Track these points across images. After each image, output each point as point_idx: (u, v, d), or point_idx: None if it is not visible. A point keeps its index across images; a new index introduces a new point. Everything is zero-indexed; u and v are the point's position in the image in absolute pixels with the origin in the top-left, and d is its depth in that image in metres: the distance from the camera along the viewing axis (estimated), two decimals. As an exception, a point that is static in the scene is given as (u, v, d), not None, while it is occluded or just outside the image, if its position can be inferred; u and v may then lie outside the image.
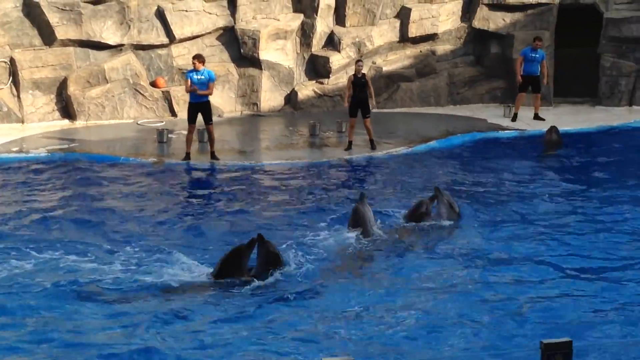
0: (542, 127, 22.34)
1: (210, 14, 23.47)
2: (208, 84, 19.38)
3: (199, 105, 19.42)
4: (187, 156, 19.57)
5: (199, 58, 19.54)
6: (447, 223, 15.64)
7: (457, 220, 15.87)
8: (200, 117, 19.52)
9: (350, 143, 20.64)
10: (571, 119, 23.68)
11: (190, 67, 19.86)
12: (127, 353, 10.65)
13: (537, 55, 23.13)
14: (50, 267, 13.35)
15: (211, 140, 19.75)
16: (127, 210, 16.56)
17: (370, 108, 20.48)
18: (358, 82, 20.44)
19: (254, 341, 11.13)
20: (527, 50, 23.30)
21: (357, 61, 21.03)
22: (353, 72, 20.84)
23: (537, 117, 23.37)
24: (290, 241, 14.29)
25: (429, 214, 15.74)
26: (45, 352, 10.80)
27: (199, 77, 19.33)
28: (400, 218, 15.83)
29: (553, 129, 21.56)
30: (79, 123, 22.41)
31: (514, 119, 23.29)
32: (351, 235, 14.74)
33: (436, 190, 16.15)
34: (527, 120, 23.19)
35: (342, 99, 24.10)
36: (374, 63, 24.57)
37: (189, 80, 19.36)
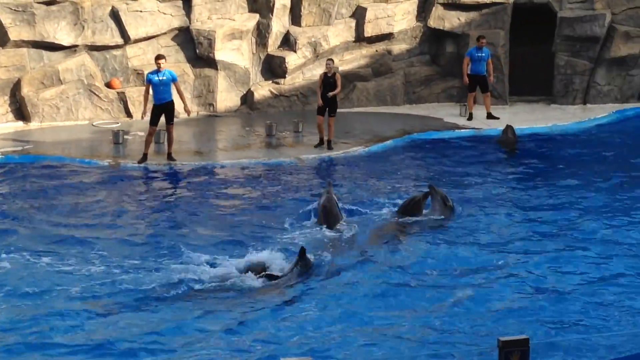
0: (498, 125, 22.48)
1: (165, 14, 23.34)
2: (171, 83, 19.30)
3: (163, 106, 19.32)
4: (144, 157, 19.45)
5: (162, 58, 19.43)
6: (440, 218, 15.87)
7: (451, 216, 16.04)
8: (161, 118, 19.43)
9: (321, 140, 20.78)
10: (527, 117, 23.82)
11: (148, 69, 19.78)
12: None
13: (484, 55, 23.26)
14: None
15: (170, 141, 19.64)
16: (81, 212, 16.42)
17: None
18: (327, 81, 20.57)
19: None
20: (472, 50, 23.42)
21: (328, 60, 21.14)
22: (324, 71, 20.89)
23: (490, 116, 23.47)
24: (259, 241, 14.41)
25: (421, 208, 15.97)
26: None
27: (160, 78, 19.24)
28: (393, 212, 16.07)
29: (509, 128, 21.70)
30: (33, 125, 22.19)
31: (469, 118, 23.39)
32: (325, 229, 14.99)
33: (430, 187, 16.40)
34: (482, 119, 23.30)
35: (298, 99, 24.19)
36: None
37: (149, 84, 19.28)
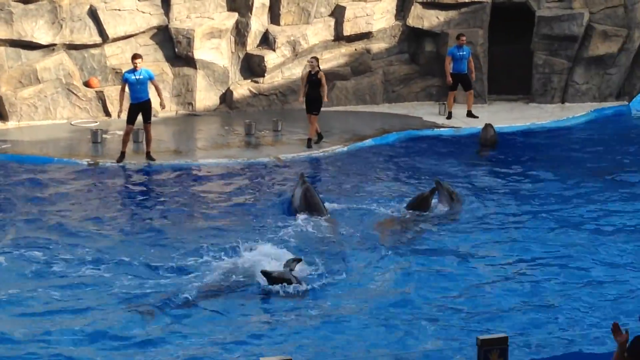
0: (477, 124, 22.54)
1: (143, 13, 23.26)
2: (149, 82, 19.25)
3: (140, 105, 19.27)
4: (122, 156, 19.39)
5: (139, 57, 19.38)
6: (448, 213, 16.18)
7: (459, 211, 16.30)
8: (139, 117, 19.38)
9: (320, 135, 20.95)
10: (505, 116, 23.87)
11: (127, 68, 19.74)
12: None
13: (465, 53, 23.32)
14: None
15: (148, 140, 19.60)
16: (59, 213, 16.36)
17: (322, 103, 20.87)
18: (311, 79, 20.73)
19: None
20: (453, 49, 23.46)
21: (311, 57, 21.23)
22: (307, 69, 20.94)
23: (470, 114, 23.52)
24: (240, 239, 14.38)
25: (429, 204, 16.29)
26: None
27: (137, 77, 19.21)
28: (400, 209, 16.36)
29: (488, 126, 21.76)
30: (11, 124, 22.05)
31: (449, 117, 23.44)
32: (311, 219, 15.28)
33: (436, 182, 16.74)
34: (461, 118, 23.34)
35: (277, 98, 24.17)
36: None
37: (125, 83, 19.25)
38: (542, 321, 12.01)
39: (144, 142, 19.83)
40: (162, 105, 19.92)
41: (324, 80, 20.87)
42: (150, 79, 19.39)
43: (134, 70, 19.24)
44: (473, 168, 19.77)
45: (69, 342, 11.30)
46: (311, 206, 15.87)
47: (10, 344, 11.18)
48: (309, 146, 20.64)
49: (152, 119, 19.79)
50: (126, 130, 19.45)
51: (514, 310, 12.29)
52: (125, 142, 19.46)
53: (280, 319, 12.08)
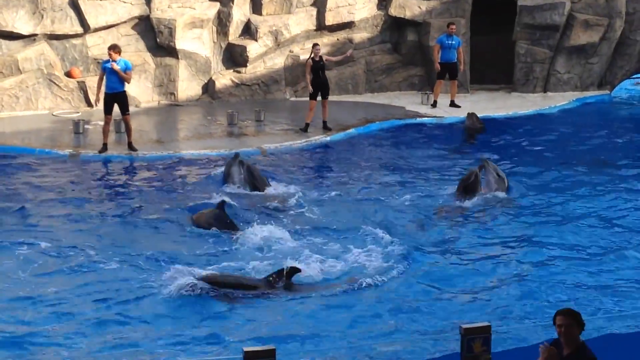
0: (459, 113, 22.59)
1: (125, 3, 23.16)
2: (125, 72, 19.18)
3: (115, 95, 19.19)
4: (104, 147, 19.33)
5: (114, 48, 19.30)
6: (499, 194, 16.45)
7: (507, 190, 16.63)
8: (117, 108, 19.30)
9: (307, 125, 21.05)
10: (487, 105, 23.92)
11: (106, 58, 19.63)
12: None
13: (454, 42, 23.32)
14: None
15: (128, 130, 19.53)
16: (42, 204, 16.28)
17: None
18: (317, 66, 20.94)
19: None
20: (442, 37, 23.47)
21: (314, 45, 21.40)
22: (311, 56, 21.05)
23: (452, 104, 23.56)
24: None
25: (479, 184, 16.58)
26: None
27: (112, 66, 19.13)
28: (452, 193, 16.64)
29: (473, 115, 21.81)
30: (-8, 115, 21.97)
31: (434, 105, 23.47)
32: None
33: (484, 161, 17.18)
34: (444, 108, 23.37)
35: (260, 88, 24.13)
36: (291, 52, 24.51)
37: (104, 72, 19.18)
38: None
39: (125, 133, 19.74)
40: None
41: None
42: (127, 69, 19.26)
43: (112, 61, 19.16)
44: (461, 156, 19.83)
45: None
46: (255, 180, 16.88)
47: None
48: (326, 127, 21.08)
49: (134, 109, 19.72)
50: (105, 120, 19.39)
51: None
52: (105, 132, 19.40)
53: (261, 306, 12.05)
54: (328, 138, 20.90)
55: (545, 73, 25.18)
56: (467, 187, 16.40)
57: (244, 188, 16.93)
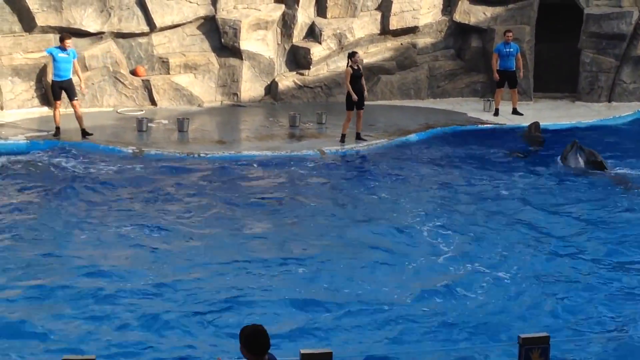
0: (522, 121, 22.45)
1: (191, 2, 23.37)
2: (72, 61, 19.98)
3: (63, 82, 19.95)
4: (57, 131, 20.05)
5: (69, 38, 20.08)
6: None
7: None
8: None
9: (343, 136, 20.58)
10: (550, 114, 23.74)
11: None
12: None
13: (512, 50, 23.17)
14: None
15: (78, 117, 20.18)
16: (105, 200, 16.49)
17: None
18: (357, 74, 20.37)
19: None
20: (500, 45, 23.35)
21: (354, 53, 20.63)
22: (349, 64, 20.34)
23: (515, 111, 23.42)
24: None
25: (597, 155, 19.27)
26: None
27: (63, 55, 19.86)
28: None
29: (535, 125, 21.67)
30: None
31: (495, 113, 23.34)
32: None
33: (573, 143, 19.48)
34: (506, 115, 23.24)
35: (322, 90, 24.17)
36: (354, 55, 24.53)
37: (51, 55, 19.92)
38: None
39: (184, 130, 20.02)
40: (83, 92, 20.60)
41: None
42: (74, 58, 20.08)
43: (63, 49, 19.87)
44: (515, 167, 19.72)
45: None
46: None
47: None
48: (359, 138, 20.62)
49: (197, 109, 19.92)
50: (55, 105, 20.12)
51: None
52: (55, 116, 20.06)
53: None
54: (389, 142, 20.81)
55: (610, 82, 24.94)
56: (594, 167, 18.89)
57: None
